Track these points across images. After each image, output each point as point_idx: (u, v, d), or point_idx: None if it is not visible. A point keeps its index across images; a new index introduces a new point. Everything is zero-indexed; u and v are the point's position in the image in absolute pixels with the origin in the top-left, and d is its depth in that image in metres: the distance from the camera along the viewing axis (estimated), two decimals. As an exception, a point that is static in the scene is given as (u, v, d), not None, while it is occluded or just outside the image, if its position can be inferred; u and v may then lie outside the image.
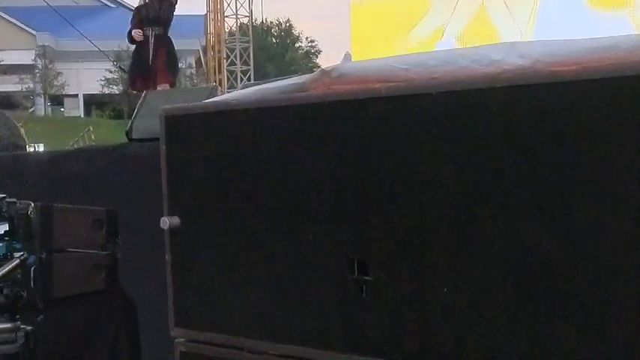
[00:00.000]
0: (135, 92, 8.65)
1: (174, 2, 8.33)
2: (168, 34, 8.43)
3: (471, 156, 1.93)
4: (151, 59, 8.17)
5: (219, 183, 2.48)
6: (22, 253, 2.76)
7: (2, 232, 2.69)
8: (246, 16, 22.04)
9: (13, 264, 2.70)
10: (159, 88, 8.21)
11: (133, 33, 8.31)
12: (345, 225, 2.19)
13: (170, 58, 8.24)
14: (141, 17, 8.40)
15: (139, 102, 7.80)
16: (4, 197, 2.69)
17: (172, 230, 2.57)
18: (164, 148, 2.60)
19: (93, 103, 47.63)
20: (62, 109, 48.23)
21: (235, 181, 2.44)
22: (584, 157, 1.77)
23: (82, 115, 46.67)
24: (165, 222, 2.55)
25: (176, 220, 2.55)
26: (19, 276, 2.78)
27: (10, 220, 2.68)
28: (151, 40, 8.18)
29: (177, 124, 2.58)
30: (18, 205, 2.73)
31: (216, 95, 7.46)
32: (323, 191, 2.23)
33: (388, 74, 2.28)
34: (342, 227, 2.20)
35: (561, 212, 1.81)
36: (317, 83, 2.40)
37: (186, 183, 2.56)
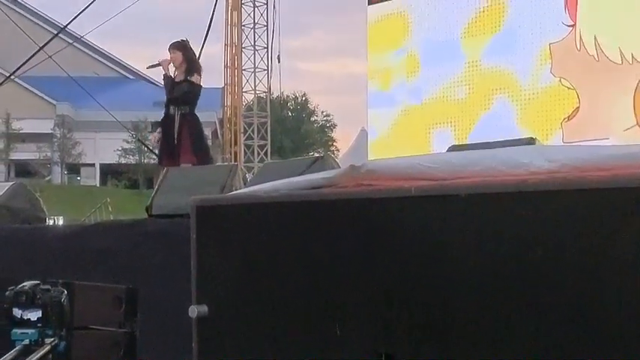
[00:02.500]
0: (160, 167, 8.77)
1: (195, 81, 8.40)
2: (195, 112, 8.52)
3: (497, 257, 1.97)
4: (175, 138, 8.29)
5: (247, 274, 2.51)
6: (53, 339, 2.79)
7: (35, 318, 2.72)
8: (264, 92, 22.34)
9: (44, 351, 2.73)
10: (182, 166, 8.31)
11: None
12: (373, 319, 2.22)
13: (195, 137, 8.33)
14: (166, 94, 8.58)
15: (160, 178, 7.89)
16: (39, 284, 2.74)
17: (200, 319, 2.60)
18: (194, 237, 2.64)
19: (109, 172, 48.04)
20: (78, 178, 48.60)
21: (264, 273, 2.47)
22: (611, 262, 1.81)
23: (98, 184, 47.00)
24: (194, 310, 2.57)
25: (204, 309, 2.58)
26: (49, 361, 2.81)
27: (43, 306, 2.72)
28: (176, 119, 8.31)
29: (207, 213, 2.63)
30: (52, 292, 2.77)
31: (236, 173, 7.57)
32: (351, 286, 2.26)
33: (415, 172, 2.34)
34: (370, 321, 2.23)
35: (587, 312, 1.84)
36: (346, 178, 2.45)
37: (215, 273, 2.60)
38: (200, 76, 8.45)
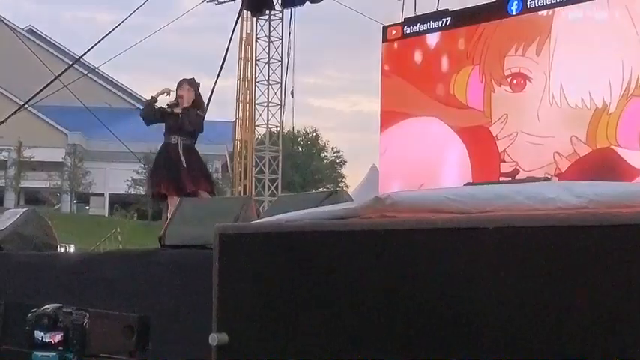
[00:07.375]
0: (155, 196, 8.85)
1: (202, 114, 8.49)
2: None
3: (525, 291, 1.98)
4: (184, 167, 8.37)
5: (268, 303, 2.52)
6: (72, 362, 2.79)
7: (56, 341, 2.72)
8: (276, 127, 22.40)
9: (63, 374, 2.73)
10: (202, 195, 8.38)
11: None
12: (395, 351, 2.22)
13: (205, 167, 8.50)
14: (169, 125, 8.62)
15: (174, 209, 7.92)
16: (61, 307, 2.74)
17: (219, 347, 2.60)
18: (216, 265, 2.64)
19: (118, 202, 48.09)
20: (87, 207, 48.67)
21: (285, 302, 2.48)
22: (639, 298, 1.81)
23: (107, 215, 47.02)
24: (214, 338, 2.57)
25: (224, 337, 2.58)
26: (69, 385, 2.80)
27: (65, 329, 2.72)
28: (180, 149, 8.41)
29: (230, 242, 2.63)
30: (74, 315, 2.77)
31: (249, 206, 7.58)
32: (374, 317, 2.26)
33: (440, 205, 2.35)
34: (391, 353, 2.22)
35: (616, 346, 1.84)
36: (370, 210, 2.46)
37: (236, 300, 2.60)
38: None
